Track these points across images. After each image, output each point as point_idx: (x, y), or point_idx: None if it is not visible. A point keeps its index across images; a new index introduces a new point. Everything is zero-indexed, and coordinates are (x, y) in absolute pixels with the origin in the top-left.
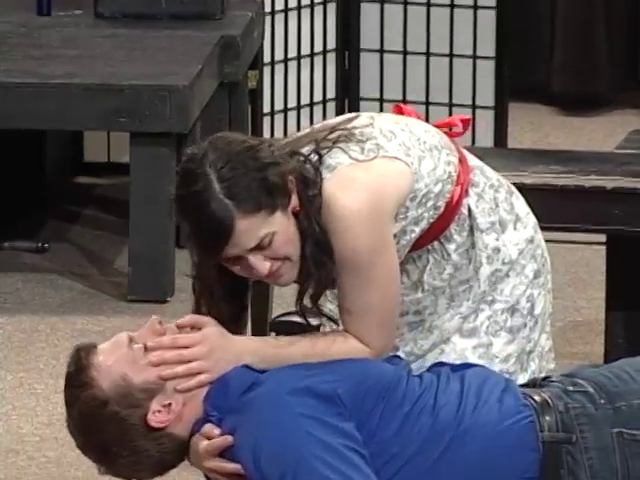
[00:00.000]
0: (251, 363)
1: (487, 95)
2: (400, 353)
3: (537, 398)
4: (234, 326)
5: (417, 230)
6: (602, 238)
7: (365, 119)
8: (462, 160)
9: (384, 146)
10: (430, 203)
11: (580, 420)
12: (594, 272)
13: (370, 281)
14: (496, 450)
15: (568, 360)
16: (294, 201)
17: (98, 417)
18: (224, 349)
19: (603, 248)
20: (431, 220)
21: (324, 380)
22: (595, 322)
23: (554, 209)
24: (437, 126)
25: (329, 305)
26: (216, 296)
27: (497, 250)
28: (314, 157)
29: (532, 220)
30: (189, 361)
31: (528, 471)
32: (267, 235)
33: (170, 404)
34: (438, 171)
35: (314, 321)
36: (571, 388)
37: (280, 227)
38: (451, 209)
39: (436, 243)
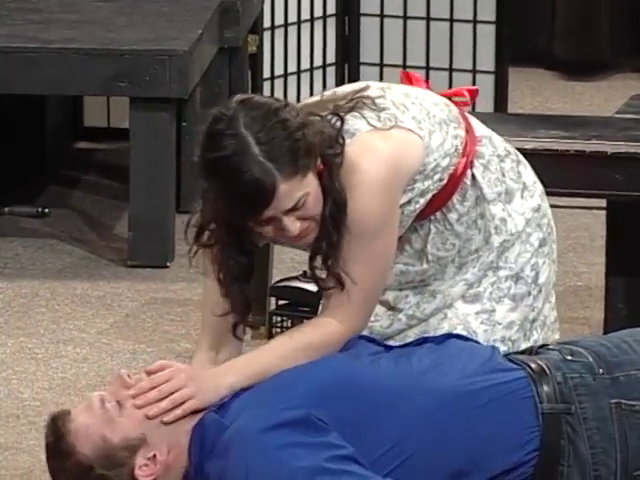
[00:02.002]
0: (234, 384)
1: (487, 60)
2: (402, 316)
3: (533, 366)
4: (243, 283)
5: (421, 202)
6: (602, 203)
7: (376, 90)
8: (469, 131)
9: (399, 117)
10: (437, 176)
11: (579, 390)
12: (594, 237)
13: (369, 252)
14: (497, 427)
15: (568, 325)
16: (318, 160)
17: None
18: (201, 377)
19: (603, 213)
20: (435, 192)
21: (291, 406)
22: (595, 287)
23: (554, 174)
24: (444, 96)
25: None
26: (225, 254)
27: (504, 221)
28: (334, 119)
29: (539, 188)
30: (170, 395)
31: (529, 444)
32: (303, 196)
33: (155, 455)
34: (446, 145)
35: (313, 287)
36: (569, 357)
37: (312, 187)
38: (454, 180)
39: (438, 213)
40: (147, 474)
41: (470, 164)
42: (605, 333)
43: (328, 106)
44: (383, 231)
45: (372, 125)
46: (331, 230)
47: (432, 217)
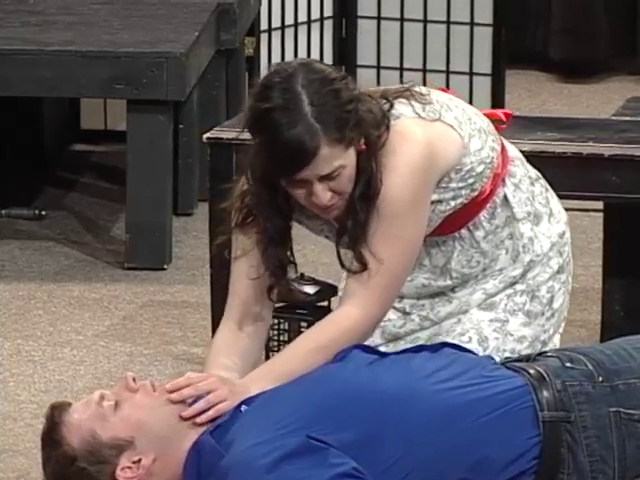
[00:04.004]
0: (263, 388)
1: (484, 62)
2: (415, 317)
3: (532, 372)
4: (279, 245)
5: (452, 204)
6: (599, 205)
7: (422, 89)
8: (503, 150)
9: (442, 114)
10: (470, 180)
11: (578, 398)
12: (591, 239)
13: (397, 234)
14: (498, 438)
15: (565, 327)
16: (362, 140)
17: (67, 475)
18: (232, 381)
19: (600, 215)
20: (465, 201)
21: (289, 431)
22: (592, 290)
23: (551, 176)
24: None
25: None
26: (263, 215)
27: (532, 240)
28: (383, 102)
29: (564, 217)
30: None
31: (529, 452)
32: (340, 167)
33: (140, 460)
34: (483, 153)
35: (310, 289)
36: (569, 364)
37: (350, 162)
38: (485, 197)
39: (464, 231)
40: (128, 476)
41: (502, 182)
42: (602, 335)
43: (375, 93)
44: (412, 216)
45: (417, 113)
46: (359, 210)
47: (457, 235)
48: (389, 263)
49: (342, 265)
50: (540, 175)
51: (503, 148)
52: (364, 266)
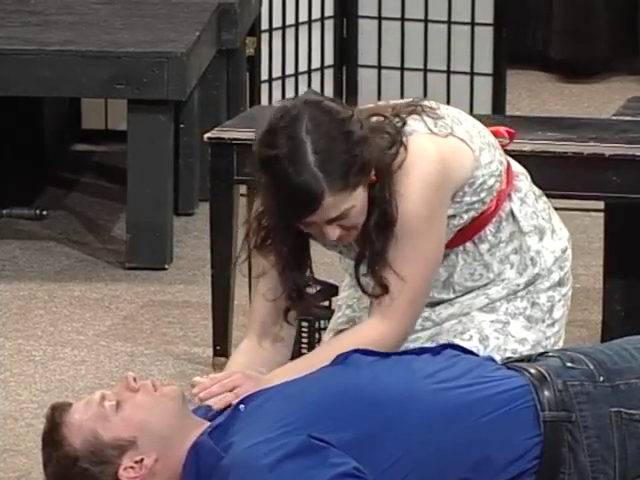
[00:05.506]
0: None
1: (485, 62)
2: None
3: (533, 371)
4: (294, 269)
5: (465, 218)
6: (600, 205)
7: (432, 103)
8: (508, 168)
9: (454, 128)
10: (483, 194)
11: (579, 399)
12: (592, 239)
13: (417, 251)
14: (499, 437)
15: (566, 327)
16: (372, 172)
17: (69, 475)
18: (257, 377)
19: (601, 215)
20: (475, 215)
21: (290, 430)
22: (593, 289)
23: (552, 176)
24: None
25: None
26: (278, 239)
27: (538, 253)
28: (396, 120)
29: (566, 234)
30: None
31: (530, 452)
32: (350, 208)
33: (142, 460)
34: (493, 166)
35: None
36: (570, 364)
37: (359, 200)
38: (492, 212)
39: (469, 244)
40: (131, 476)
41: (508, 197)
42: (602, 335)
43: (387, 110)
44: (430, 232)
45: (429, 129)
46: (375, 240)
47: (462, 248)
48: (412, 280)
49: (364, 291)
50: (542, 192)
51: (508, 165)
52: (385, 289)
